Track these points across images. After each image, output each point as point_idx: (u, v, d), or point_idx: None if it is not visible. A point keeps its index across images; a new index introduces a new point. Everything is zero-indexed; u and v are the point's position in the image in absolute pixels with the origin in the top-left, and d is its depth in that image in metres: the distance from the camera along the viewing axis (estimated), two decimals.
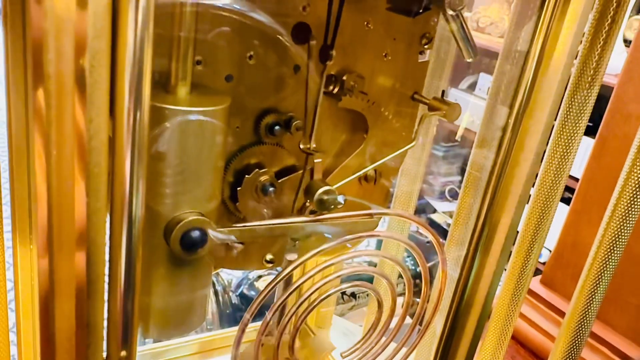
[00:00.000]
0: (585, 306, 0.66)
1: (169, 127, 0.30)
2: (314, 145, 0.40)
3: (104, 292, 0.30)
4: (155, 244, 0.33)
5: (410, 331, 0.50)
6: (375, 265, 0.70)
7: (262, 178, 0.41)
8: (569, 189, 1.04)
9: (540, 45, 0.39)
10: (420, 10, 0.39)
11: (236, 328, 0.80)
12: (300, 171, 0.42)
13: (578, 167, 1.30)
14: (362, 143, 0.46)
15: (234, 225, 0.36)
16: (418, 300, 0.48)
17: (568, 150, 0.54)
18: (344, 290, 1.39)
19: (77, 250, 0.28)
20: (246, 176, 0.40)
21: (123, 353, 0.31)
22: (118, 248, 0.29)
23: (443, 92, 0.44)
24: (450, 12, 0.35)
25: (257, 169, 0.41)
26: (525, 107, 0.43)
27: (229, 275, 1.39)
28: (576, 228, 1.02)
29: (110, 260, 0.30)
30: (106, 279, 0.30)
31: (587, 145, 1.05)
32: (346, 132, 0.46)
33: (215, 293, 1.12)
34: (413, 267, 1.24)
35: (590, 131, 0.80)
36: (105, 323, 0.32)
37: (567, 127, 0.54)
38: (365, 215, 0.38)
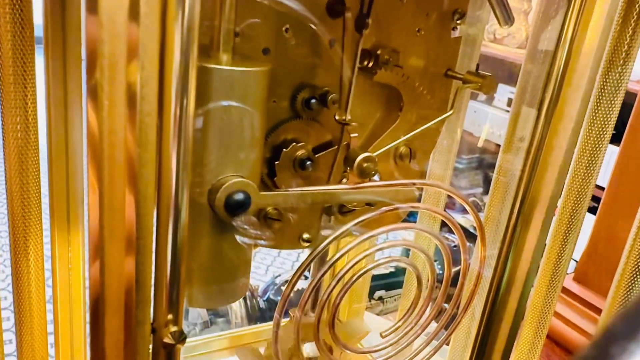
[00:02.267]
0: (623, 302, 0.65)
1: (213, 87, 0.30)
2: (349, 117, 0.39)
3: (152, 254, 0.30)
4: (200, 210, 0.33)
5: (449, 314, 0.50)
6: (407, 255, 0.69)
7: (300, 152, 0.41)
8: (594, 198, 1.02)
9: (566, 48, 0.40)
10: None
11: (264, 325, 0.80)
12: (333, 147, 0.42)
13: (603, 175, 1.29)
14: (396, 119, 0.46)
15: (277, 190, 0.36)
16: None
17: (595, 156, 0.54)
18: (371, 294, 1.37)
19: (125, 208, 0.28)
20: (284, 150, 0.40)
21: (169, 316, 0.31)
22: (166, 209, 0.29)
23: (477, 65, 0.44)
24: None
25: (294, 143, 0.41)
26: (555, 103, 0.43)
27: (257, 281, 1.39)
28: (609, 221, 1.00)
29: (157, 224, 0.30)
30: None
31: (610, 152, 1.04)
32: (381, 109, 0.46)
33: (244, 298, 1.12)
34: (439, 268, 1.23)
35: (614, 139, 0.80)
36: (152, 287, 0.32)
37: (593, 131, 0.54)
38: (406, 185, 0.38)
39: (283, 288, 1.24)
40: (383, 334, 0.46)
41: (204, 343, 0.72)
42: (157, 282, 0.31)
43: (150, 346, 0.32)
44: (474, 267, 0.53)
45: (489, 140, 2.11)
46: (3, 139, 0.50)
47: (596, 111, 0.51)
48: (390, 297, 1.35)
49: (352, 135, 0.42)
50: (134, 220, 0.28)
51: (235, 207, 0.32)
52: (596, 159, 0.55)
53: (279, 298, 1.28)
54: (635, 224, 0.60)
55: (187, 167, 0.29)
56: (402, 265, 0.43)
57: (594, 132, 0.52)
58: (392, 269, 1.41)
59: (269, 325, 0.78)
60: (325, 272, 0.43)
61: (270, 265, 1.62)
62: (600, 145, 0.53)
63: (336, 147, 0.42)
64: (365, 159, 0.37)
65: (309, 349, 0.49)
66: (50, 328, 0.58)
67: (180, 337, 0.31)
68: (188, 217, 0.30)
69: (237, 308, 1.08)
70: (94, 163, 0.27)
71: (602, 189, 1.00)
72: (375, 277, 1.34)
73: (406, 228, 0.40)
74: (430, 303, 0.48)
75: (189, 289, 0.35)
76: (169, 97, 0.28)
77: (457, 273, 0.47)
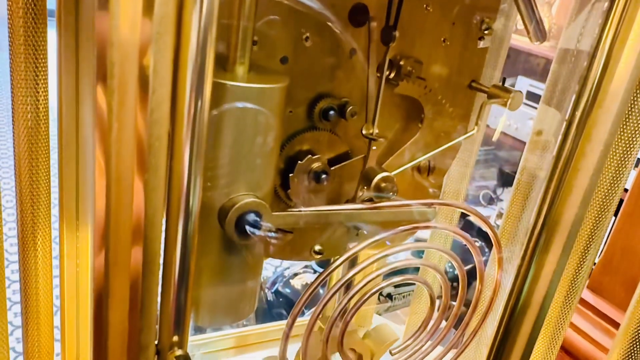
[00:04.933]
0: None
1: (227, 104, 0.29)
2: (377, 131, 0.38)
3: (158, 277, 0.29)
4: (209, 228, 0.32)
5: (459, 335, 0.48)
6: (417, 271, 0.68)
7: (315, 165, 0.39)
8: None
9: (608, 44, 0.37)
10: None
11: (272, 324, 0.79)
12: (352, 159, 0.41)
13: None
14: (416, 132, 0.44)
15: (290, 209, 0.34)
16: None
17: (625, 159, 0.52)
18: (380, 291, 1.37)
19: (132, 238, 0.27)
20: (299, 162, 0.39)
21: (175, 338, 0.30)
22: (174, 231, 0.28)
23: (504, 79, 0.42)
24: None
25: (309, 155, 0.39)
26: (594, 100, 0.41)
27: (265, 272, 1.39)
28: (627, 233, 0.97)
29: (165, 245, 0.29)
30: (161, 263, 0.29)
31: None
32: (400, 120, 0.44)
33: None
34: (451, 270, 1.21)
35: None
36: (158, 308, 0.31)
37: (626, 131, 0.52)
38: (424, 205, 0.37)
39: (291, 281, 1.24)
40: (393, 352, 0.44)
41: (212, 342, 0.72)
42: (163, 303, 0.30)
43: None
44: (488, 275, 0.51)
45: (506, 133, 2.08)
46: (13, 129, 0.49)
47: (624, 128, 0.49)
48: (398, 294, 1.34)
49: (373, 148, 0.40)
50: (142, 234, 0.27)
51: (247, 229, 0.31)
52: (620, 178, 0.53)
53: (287, 290, 1.28)
54: None
55: (198, 183, 0.28)
56: (417, 282, 0.42)
57: (619, 150, 0.50)
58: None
59: (276, 326, 0.77)
60: (339, 289, 0.42)
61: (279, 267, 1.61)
62: (625, 166, 0.51)
63: (351, 160, 0.41)
64: (384, 179, 0.35)
65: None
66: (56, 322, 0.58)
67: None
68: (197, 236, 0.29)
69: None
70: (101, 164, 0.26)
71: (621, 201, 0.98)
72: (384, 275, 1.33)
73: (423, 247, 0.39)
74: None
75: (195, 309, 0.34)
76: (182, 107, 0.26)
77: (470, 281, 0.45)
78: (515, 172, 0.57)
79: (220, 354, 0.72)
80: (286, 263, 1.60)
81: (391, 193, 0.36)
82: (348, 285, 0.43)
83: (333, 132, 0.40)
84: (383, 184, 0.36)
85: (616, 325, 0.99)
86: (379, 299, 1.28)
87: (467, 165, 0.56)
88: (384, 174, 0.36)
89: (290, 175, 0.39)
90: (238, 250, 0.34)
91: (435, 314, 0.44)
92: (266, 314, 1.19)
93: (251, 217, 0.31)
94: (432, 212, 0.38)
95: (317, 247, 0.44)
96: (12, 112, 0.49)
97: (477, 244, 0.52)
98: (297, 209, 0.35)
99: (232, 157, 0.31)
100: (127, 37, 0.23)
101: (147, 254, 0.28)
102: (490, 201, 2.20)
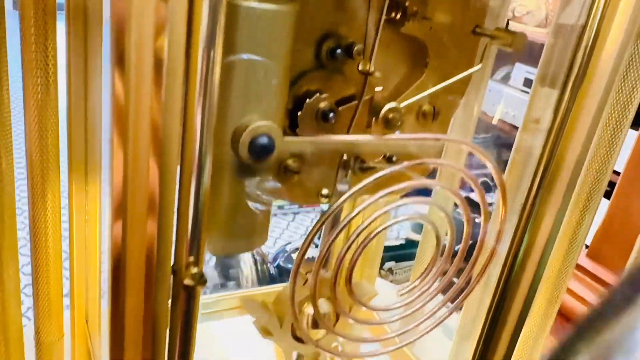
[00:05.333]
0: None
1: (240, 26, 0.29)
2: (373, 68, 0.38)
3: (174, 196, 0.29)
4: (222, 154, 0.33)
5: (464, 279, 0.49)
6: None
7: (323, 104, 0.40)
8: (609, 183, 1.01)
9: (596, 23, 0.38)
10: None
11: (275, 286, 0.80)
12: (357, 99, 0.41)
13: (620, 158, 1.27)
14: (421, 75, 0.45)
15: (302, 136, 0.35)
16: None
17: (617, 132, 0.53)
18: (381, 265, 1.38)
19: (150, 155, 0.28)
20: (307, 100, 0.39)
21: (191, 259, 0.31)
22: (190, 150, 0.29)
23: (508, 21, 0.43)
24: None
25: (317, 94, 0.40)
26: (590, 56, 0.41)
27: (267, 248, 1.40)
28: (625, 202, 0.98)
29: (181, 164, 0.29)
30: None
31: (629, 136, 1.02)
32: (406, 63, 0.45)
33: (255, 263, 1.12)
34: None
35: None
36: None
37: (618, 105, 0.53)
38: (431, 139, 0.37)
39: (293, 255, 1.25)
40: (400, 293, 0.45)
41: (215, 301, 0.73)
42: (178, 224, 0.30)
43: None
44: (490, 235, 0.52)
45: (504, 120, 2.09)
46: (23, 92, 0.50)
47: (622, 86, 0.50)
48: (399, 269, 1.35)
49: (376, 89, 0.41)
50: (158, 162, 0.28)
51: (260, 151, 0.32)
52: (618, 134, 0.54)
53: (289, 265, 1.29)
54: None
55: (213, 109, 0.29)
56: (421, 221, 0.42)
57: (618, 106, 0.51)
58: (403, 241, 1.41)
59: (279, 287, 0.78)
60: (342, 228, 0.43)
61: (279, 238, 1.62)
62: (623, 121, 0.52)
63: (357, 99, 0.41)
64: (391, 110, 0.36)
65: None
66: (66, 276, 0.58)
67: (201, 279, 0.30)
68: (212, 160, 0.30)
69: (247, 273, 1.09)
70: (116, 107, 0.27)
71: (618, 174, 0.99)
72: (385, 249, 1.34)
73: (425, 185, 0.40)
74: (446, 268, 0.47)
75: (209, 233, 0.35)
76: (197, 35, 0.27)
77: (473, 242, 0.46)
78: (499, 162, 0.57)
79: (222, 313, 0.73)
80: (287, 238, 1.61)
81: (398, 123, 0.36)
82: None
83: (340, 72, 0.41)
84: (391, 115, 0.36)
85: None
86: (380, 273, 1.29)
87: (466, 132, 0.57)
88: (392, 104, 0.36)
89: (299, 113, 0.39)
90: (250, 177, 0.34)
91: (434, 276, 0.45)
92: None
93: (264, 139, 0.32)
94: (439, 150, 0.38)
95: (324, 191, 0.45)
96: (22, 66, 0.49)
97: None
98: (308, 137, 0.35)
99: (245, 85, 0.32)
100: None
101: (164, 171, 0.28)
102: (488, 189, 2.21)
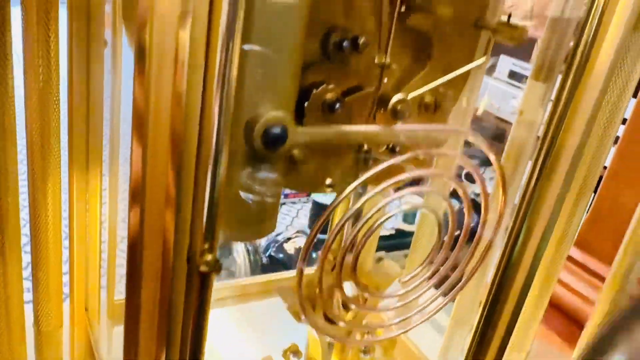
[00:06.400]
0: (626, 272, 0.66)
1: (256, 17, 0.30)
2: (389, 60, 0.39)
3: (191, 183, 0.30)
4: (235, 145, 0.33)
5: (463, 267, 0.50)
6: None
7: (329, 95, 0.41)
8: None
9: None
10: None
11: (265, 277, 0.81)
12: (365, 91, 0.42)
13: None
14: (424, 67, 0.45)
15: (313, 127, 0.36)
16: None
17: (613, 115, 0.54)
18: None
19: (168, 146, 0.28)
20: (314, 90, 0.40)
21: (205, 246, 0.31)
22: (207, 142, 0.29)
23: (509, 15, 0.44)
24: None
25: (324, 85, 0.40)
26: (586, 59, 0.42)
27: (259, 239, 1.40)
28: (614, 190, 1.00)
29: (197, 155, 0.30)
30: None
31: None
32: (409, 55, 0.45)
33: (247, 252, 1.13)
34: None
35: None
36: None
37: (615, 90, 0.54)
38: (440, 130, 0.38)
39: (285, 245, 1.26)
40: (403, 281, 0.46)
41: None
42: (194, 212, 0.31)
43: None
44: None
45: (488, 112, 2.10)
46: (24, 79, 0.50)
47: (614, 82, 0.51)
48: (390, 258, 1.37)
49: (384, 80, 0.42)
50: (176, 152, 0.28)
51: (273, 140, 0.32)
52: (610, 130, 0.56)
53: (280, 255, 1.30)
54: None
55: (231, 100, 0.29)
56: (423, 211, 0.43)
57: (610, 103, 0.53)
58: (393, 232, 1.43)
59: (273, 276, 0.79)
60: (348, 218, 0.44)
61: None
62: (615, 117, 0.54)
63: (365, 91, 0.42)
64: (400, 101, 0.37)
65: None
66: (65, 269, 0.58)
67: (216, 265, 0.31)
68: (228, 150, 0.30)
69: (240, 262, 1.09)
70: (137, 102, 0.27)
71: (605, 166, 1.01)
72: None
73: (427, 175, 0.40)
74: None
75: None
76: (216, 28, 0.27)
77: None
78: (497, 152, 0.59)
79: (217, 302, 0.73)
80: (279, 228, 1.62)
81: (406, 113, 0.37)
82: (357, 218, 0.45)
83: (346, 63, 0.42)
84: (399, 106, 0.37)
85: (603, 279, 1.02)
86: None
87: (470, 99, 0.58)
88: (400, 96, 0.37)
89: (306, 104, 0.40)
90: (260, 165, 0.35)
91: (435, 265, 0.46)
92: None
93: (278, 129, 0.32)
94: (444, 141, 0.39)
95: (329, 181, 0.46)
96: (24, 64, 0.49)
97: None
98: (319, 128, 0.36)
99: (259, 75, 0.32)
100: None
101: (182, 161, 0.29)
102: (472, 180, 2.23)
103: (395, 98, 0.37)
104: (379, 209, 0.42)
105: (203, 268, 0.31)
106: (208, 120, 0.29)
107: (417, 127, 0.39)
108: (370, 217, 0.42)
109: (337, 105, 0.40)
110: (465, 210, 0.44)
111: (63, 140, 0.54)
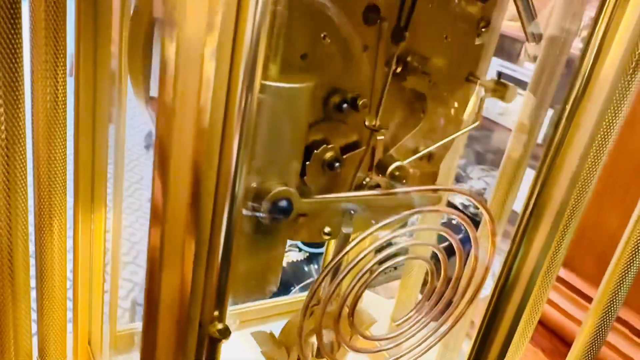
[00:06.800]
0: (615, 291, 0.68)
1: (263, 103, 0.32)
2: (379, 123, 0.41)
3: (205, 257, 0.32)
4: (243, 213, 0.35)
5: (456, 305, 0.53)
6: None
7: (329, 154, 0.43)
8: None
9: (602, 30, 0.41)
10: None
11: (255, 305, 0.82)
12: (363, 147, 0.44)
13: None
14: (419, 122, 0.48)
15: (316, 196, 0.38)
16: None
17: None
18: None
19: (185, 222, 0.30)
20: (315, 151, 0.42)
21: (216, 313, 0.33)
22: (220, 213, 0.31)
23: (499, 73, 0.46)
24: None
25: (324, 145, 0.42)
26: (585, 89, 0.44)
27: None
28: (597, 208, 1.03)
29: (212, 227, 0.32)
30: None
31: None
32: (404, 111, 0.48)
33: None
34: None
35: None
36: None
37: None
38: (431, 190, 0.41)
39: None
40: (395, 324, 0.49)
41: None
42: (206, 282, 0.33)
43: None
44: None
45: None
46: (32, 117, 0.51)
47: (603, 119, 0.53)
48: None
49: (378, 137, 0.44)
50: (193, 224, 0.30)
51: (280, 212, 0.34)
52: (599, 161, 0.58)
53: None
54: (633, 217, 0.63)
55: (244, 173, 0.31)
56: (417, 260, 0.46)
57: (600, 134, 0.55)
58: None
59: (271, 302, 0.81)
60: (338, 260, 0.46)
61: None
62: (604, 148, 0.56)
63: (362, 149, 0.44)
64: (398, 168, 0.39)
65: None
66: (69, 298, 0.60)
67: (226, 332, 0.33)
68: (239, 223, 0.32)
69: None
70: (160, 167, 0.29)
71: None
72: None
73: (421, 229, 0.43)
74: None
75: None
76: (233, 106, 0.29)
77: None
78: (484, 151, 0.61)
79: None
80: None
81: (404, 180, 0.39)
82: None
83: (344, 122, 0.44)
84: (397, 173, 0.39)
85: (585, 297, 1.06)
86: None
87: (456, 150, 0.60)
88: (398, 163, 0.39)
89: (307, 163, 0.42)
90: (267, 232, 0.37)
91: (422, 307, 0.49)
92: None
93: (284, 203, 0.34)
94: (437, 198, 0.42)
95: (327, 229, 0.48)
96: (32, 98, 0.51)
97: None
98: (321, 196, 0.38)
99: (266, 149, 0.34)
100: (192, 47, 0.26)
101: (199, 238, 0.31)
102: (460, 179, 2.26)
103: (393, 165, 0.39)
104: (362, 258, 0.44)
105: (214, 336, 0.33)
106: (223, 198, 0.31)
107: (415, 189, 0.41)
108: (354, 266, 0.44)
109: (337, 165, 0.43)
110: (457, 262, 0.46)
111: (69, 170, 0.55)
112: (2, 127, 0.46)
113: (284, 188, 0.35)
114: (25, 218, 0.50)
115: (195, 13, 0.25)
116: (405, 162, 0.40)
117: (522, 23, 0.40)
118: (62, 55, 0.50)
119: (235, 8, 0.26)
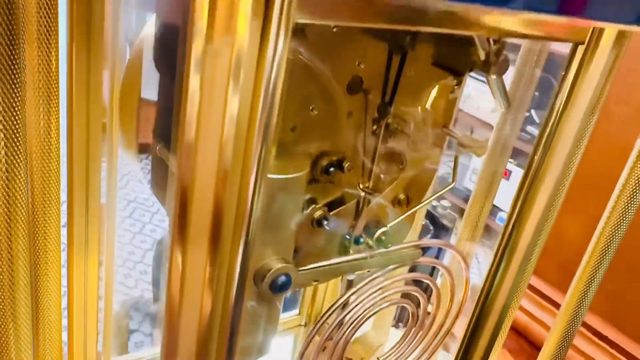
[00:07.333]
0: (580, 298, 0.73)
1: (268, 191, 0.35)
2: (372, 185, 0.45)
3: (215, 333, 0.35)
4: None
5: (434, 340, 0.57)
6: None
7: (317, 213, 0.46)
8: None
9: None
10: (467, 72, 0.44)
11: None
12: (347, 204, 0.48)
13: None
14: (399, 173, 0.51)
15: (310, 266, 0.41)
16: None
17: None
18: None
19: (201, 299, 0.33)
20: (304, 212, 0.45)
21: None
22: (228, 296, 0.34)
23: (472, 129, 0.50)
24: (493, 77, 0.41)
25: (313, 205, 0.46)
26: (563, 111, 0.49)
27: None
28: (559, 218, 1.10)
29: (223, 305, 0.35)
30: None
31: None
32: (384, 164, 0.51)
33: None
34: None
35: None
36: None
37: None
38: (412, 246, 0.44)
39: None
40: (380, 358, 0.53)
41: None
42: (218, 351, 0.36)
43: None
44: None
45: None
46: (27, 147, 0.52)
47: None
48: None
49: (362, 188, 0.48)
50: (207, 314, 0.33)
51: (280, 287, 0.38)
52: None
53: None
54: (599, 228, 0.68)
55: (248, 257, 0.34)
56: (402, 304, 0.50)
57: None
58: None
59: None
60: (332, 312, 0.50)
61: None
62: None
63: (347, 204, 0.48)
64: (383, 233, 0.43)
65: None
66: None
67: None
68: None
69: None
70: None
71: None
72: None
73: (413, 277, 0.47)
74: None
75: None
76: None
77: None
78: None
79: None
80: None
81: (389, 244, 0.43)
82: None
83: (331, 182, 0.47)
84: (383, 237, 0.43)
85: (549, 299, 1.12)
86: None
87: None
88: (384, 229, 0.43)
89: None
90: (265, 302, 0.40)
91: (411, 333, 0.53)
92: None
93: (282, 279, 0.38)
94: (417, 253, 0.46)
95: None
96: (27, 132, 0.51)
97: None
98: (315, 265, 0.41)
99: (265, 229, 0.37)
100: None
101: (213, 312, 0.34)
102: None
103: (379, 231, 0.43)
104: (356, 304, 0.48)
105: None
106: (230, 282, 0.34)
107: (399, 247, 0.45)
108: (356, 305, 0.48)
109: (324, 222, 0.46)
110: (434, 306, 0.50)
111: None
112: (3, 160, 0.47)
113: (283, 265, 0.38)
114: (26, 252, 0.51)
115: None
116: (388, 226, 0.43)
117: (493, 93, 0.44)
118: (55, 103, 0.51)
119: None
